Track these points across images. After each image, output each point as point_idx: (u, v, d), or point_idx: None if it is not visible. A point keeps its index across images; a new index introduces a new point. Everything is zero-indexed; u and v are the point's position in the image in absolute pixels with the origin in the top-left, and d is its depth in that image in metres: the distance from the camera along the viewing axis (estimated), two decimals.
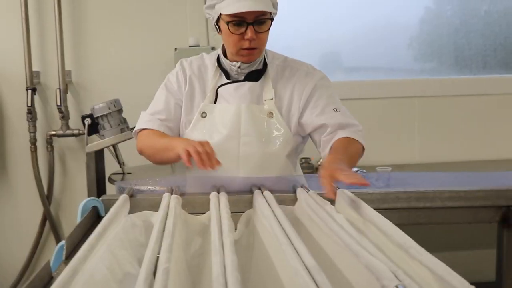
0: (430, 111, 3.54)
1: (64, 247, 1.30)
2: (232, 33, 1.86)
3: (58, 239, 3.37)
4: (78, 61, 3.34)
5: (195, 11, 3.32)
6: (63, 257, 1.29)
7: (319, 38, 3.51)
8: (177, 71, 2.03)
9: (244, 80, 1.98)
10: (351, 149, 1.87)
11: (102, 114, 2.56)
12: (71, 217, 3.37)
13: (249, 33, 1.84)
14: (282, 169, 1.96)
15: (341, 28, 3.53)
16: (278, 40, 3.38)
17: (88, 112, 2.64)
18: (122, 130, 2.59)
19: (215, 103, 1.97)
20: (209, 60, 2.05)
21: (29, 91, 3.23)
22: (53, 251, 1.33)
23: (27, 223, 3.38)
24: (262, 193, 1.56)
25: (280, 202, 1.49)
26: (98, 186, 2.63)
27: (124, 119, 2.65)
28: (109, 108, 2.56)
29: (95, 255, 1.13)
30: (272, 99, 1.97)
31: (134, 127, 2.68)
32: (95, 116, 2.58)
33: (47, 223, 3.37)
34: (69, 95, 3.31)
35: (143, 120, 2.03)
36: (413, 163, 3.50)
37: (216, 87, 1.98)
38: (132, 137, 2.64)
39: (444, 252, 1.01)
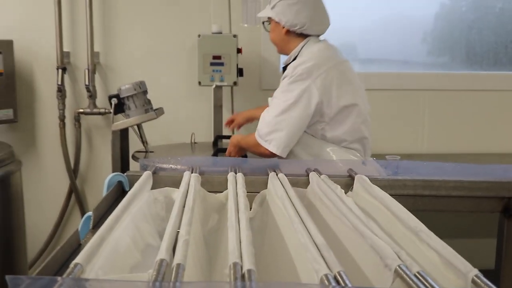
0: (440, 104, 3.53)
1: (91, 218, 1.34)
2: None
3: (82, 211, 3.43)
4: (107, 44, 3.37)
5: (219, 0, 3.33)
6: (90, 226, 1.33)
7: (337, 29, 3.49)
8: None
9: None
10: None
11: (128, 94, 2.58)
12: (96, 190, 3.42)
13: None
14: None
15: (358, 20, 3.52)
16: None
17: (114, 92, 2.66)
18: (146, 111, 2.62)
19: None
20: None
21: (60, 71, 3.26)
22: (77, 222, 1.37)
23: (54, 195, 3.44)
24: (277, 175, 1.59)
25: (294, 184, 1.51)
26: (122, 162, 2.66)
27: (149, 100, 2.68)
28: (135, 89, 2.58)
29: (120, 226, 1.16)
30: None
31: (158, 108, 2.72)
32: (121, 96, 2.60)
33: (73, 196, 3.43)
34: (97, 76, 3.35)
35: None
36: (421, 153, 3.50)
37: None
38: (156, 118, 2.69)
39: (446, 239, 1.02)
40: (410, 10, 3.54)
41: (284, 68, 2.42)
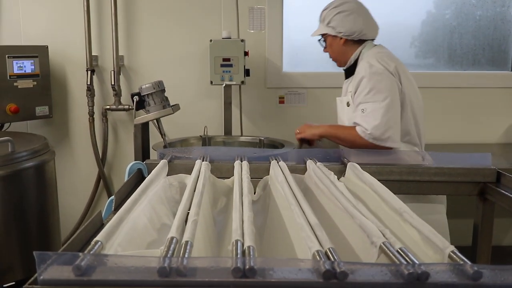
0: (426, 100, 3.46)
1: (113, 201, 1.33)
2: None
3: (109, 195, 3.43)
4: (130, 48, 3.36)
5: (228, 9, 3.31)
6: (112, 208, 1.32)
7: None
8: None
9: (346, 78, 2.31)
10: (343, 129, 2.19)
11: (148, 92, 2.57)
12: (121, 177, 3.42)
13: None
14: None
15: None
16: (294, 32, 3.37)
17: (136, 91, 2.65)
18: (164, 107, 2.60)
19: None
20: None
21: (89, 72, 3.26)
22: (105, 204, 1.36)
23: (85, 180, 3.45)
24: (278, 163, 1.57)
25: (292, 170, 1.50)
26: (143, 152, 2.65)
27: (166, 98, 2.66)
28: (154, 88, 2.56)
29: (138, 208, 1.16)
30: (350, 91, 2.19)
31: (174, 105, 2.71)
32: (142, 94, 2.58)
33: (101, 182, 3.44)
34: (121, 76, 3.34)
35: None
36: None
37: None
38: (173, 113, 2.68)
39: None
40: (400, 18, 3.51)
41: (347, 71, 2.31)
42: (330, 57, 2.34)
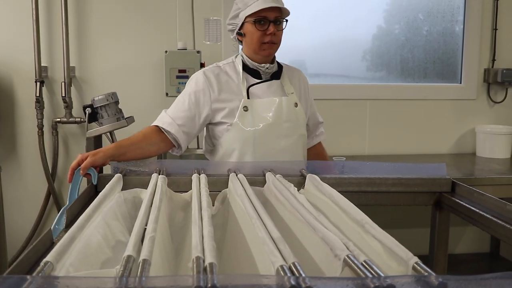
0: (379, 112, 3.57)
1: (64, 217, 1.27)
2: (258, 29, 1.95)
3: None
4: (81, 59, 3.27)
5: (183, 20, 3.27)
6: (63, 225, 1.26)
7: (288, 47, 3.50)
8: (202, 81, 2.01)
9: (271, 79, 2.06)
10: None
11: (101, 104, 2.51)
12: None
13: (271, 28, 1.95)
14: (305, 149, 2.14)
15: (306, 40, 3.54)
16: None
17: (89, 102, 2.58)
18: (118, 119, 2.54)
19: (248, 98, 2.00)
20: (228, 67, 2.08)
21: (38, 83, 3.15)
22: (55, 218, 1.29)
23: (34, 197, 3.31)
24: (236, 175, 1.55)
25: (252, 183, 1.47)
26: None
27: (120, 110, 2.60)
28: (107, 100, 2.51)
29: (91, 224, 1.10)
30: (293, 93, 2.08)
31: (129, 117, 2.64)
32: (95, 106, 2.52)
33: (51, 197, 3.31)
34: (72, 88, 3.24)
35: (163, 120, 1.99)
36: (364, 154, 3.53)
37: (247, 87, 2.02)
38: (127, 125, 2.62)
39: (387, 229, 1.00)
40: (351, 32, 3.59)
41: (275, 74, 2.07)
42: (274, 41, 2.00)
